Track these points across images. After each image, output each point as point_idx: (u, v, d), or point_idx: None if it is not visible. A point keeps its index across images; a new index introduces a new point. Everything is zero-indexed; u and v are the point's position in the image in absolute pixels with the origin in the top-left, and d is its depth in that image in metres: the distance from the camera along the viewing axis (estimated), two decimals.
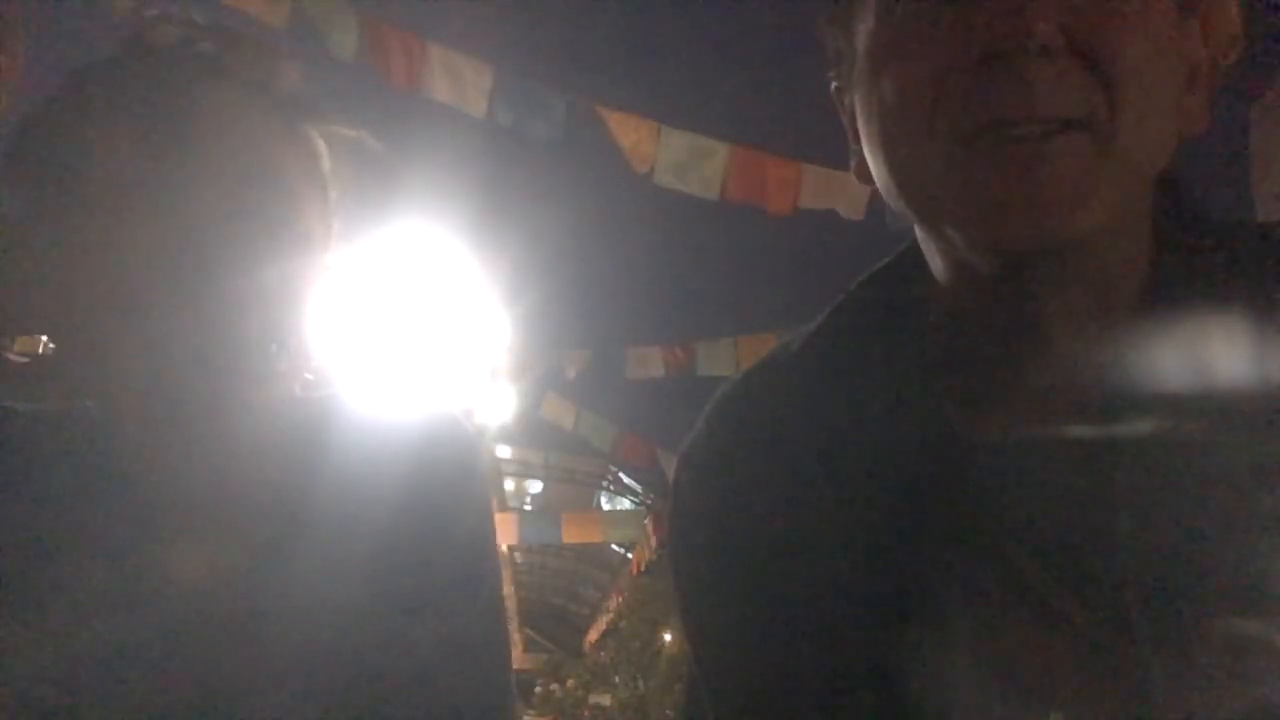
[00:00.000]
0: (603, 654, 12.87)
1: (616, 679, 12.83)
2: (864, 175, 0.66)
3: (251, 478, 0.73)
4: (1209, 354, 0.59)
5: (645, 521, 10.09)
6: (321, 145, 0.75)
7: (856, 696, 0.67)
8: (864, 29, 0.62)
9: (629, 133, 4.01)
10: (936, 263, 0.67)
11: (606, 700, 12.66)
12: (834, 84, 0.70)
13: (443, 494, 0.76)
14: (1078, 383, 0.62)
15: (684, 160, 4.04)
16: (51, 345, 0.75)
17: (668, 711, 11.53)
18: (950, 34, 0.54)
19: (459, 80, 4.06)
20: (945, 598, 0.65)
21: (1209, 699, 0.56)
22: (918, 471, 0.67)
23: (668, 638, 12.09)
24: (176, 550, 0.70)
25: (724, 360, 6.09)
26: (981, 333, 0.65)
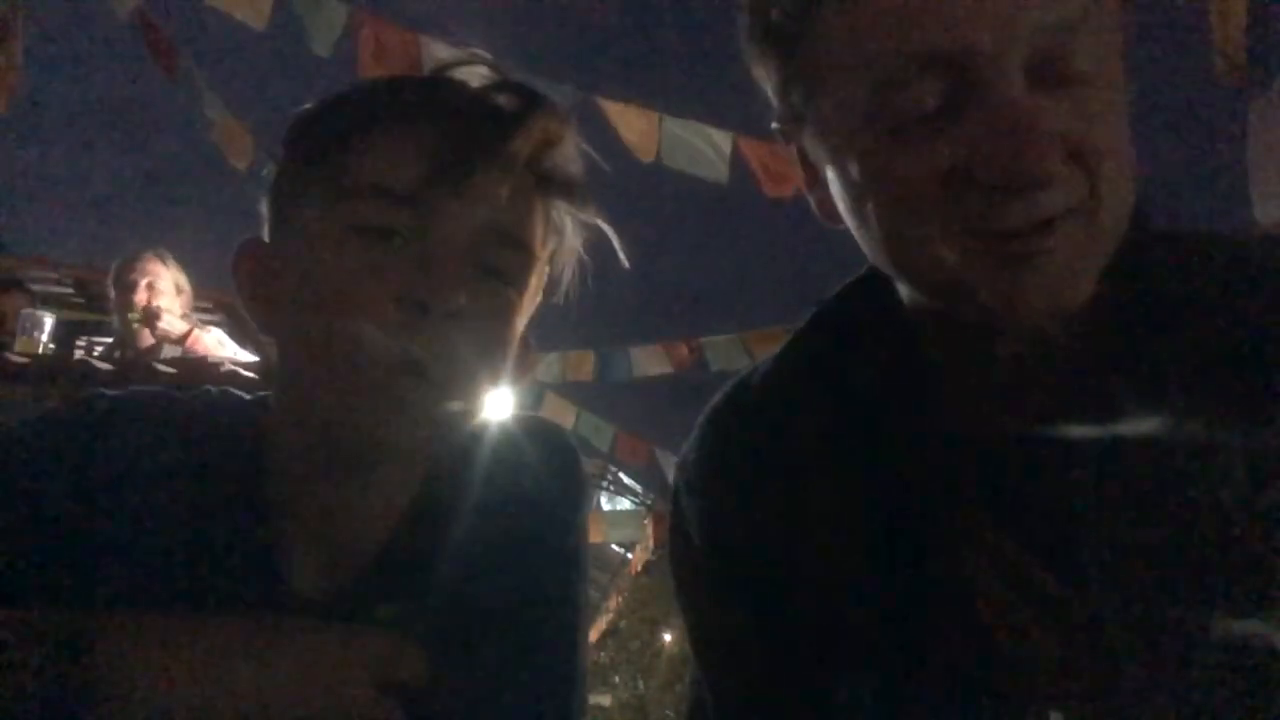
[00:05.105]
0: (603, 654, 12.84)
1: (616, 679, 12.81)
2: (831, 217, 0.69)
3: (387, 508, 0.76)
4: (1164, 355, 0.62)
5: (645, 521, 10.07)
6: (568, 224, 0.78)
7: (857, 692, 0.68)
8: (834, 103, 0.64)
9: (631, 124, 4.00)
10: (910, 295, 0.71)
11: (606, 700, 12.64)
12: (775, 125, 0.73)
13: (523, 508, 0.77)
14: (1044, 382, 0.65)
15: (688, 151, 4.04)
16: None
17: (668, 712, 11.51)
18: (966, 156, 0.57)
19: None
20: (942, 593, 0.66)
21: (1191, 688, 0.56)
22: (907, 469, 0.68)
23: (668, 638, 12.06)
24: (299, 560, 0.71)
25: (733, 357, 6.06)
26: (956, 343, 0.68)
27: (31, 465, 0.71)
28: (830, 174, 0.67)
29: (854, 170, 0.63)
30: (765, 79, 0.70)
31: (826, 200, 0.69)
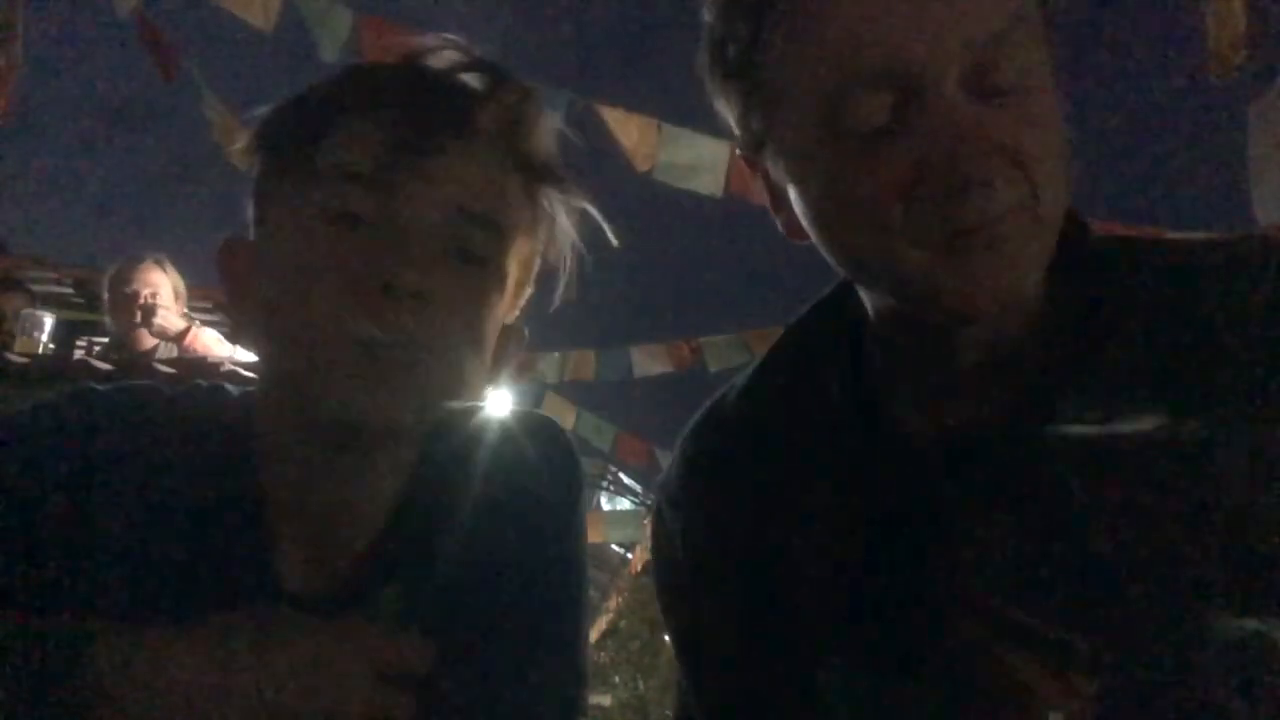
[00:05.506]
0: (603, 654, 12.84)
1: (616, 679, 12.81)
2: (797, 234, 0.72)
3: (380, 494, 0.76)
4: (1115, 354, 0.66)
5: (645, 522, 10.07)
6: (558, 209, 0.78)
7: (841, 698, 0.69)
8: (791, 126, 0.67)
9: (629, 132, 3.99)
10: (875, 303, 0.74)
11: (606, 700, 12.64)
12: (739, 153, 0.76)
13: (524, 508, 0.77)
14: (1006, 385, 0.69)
15: (686, 159, 4.02)
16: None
17: (667, 712, 11.51)
18: (916, 164, 0.61)
19: None
20: (922, 601, 0.66)
21: (1159, 689, 0.57)
22: (879, 476, 0.70)
23: (668, 638, 12.05)
24: (291, 553, 0.70)
25: (732, 357, 6.06)
26: (920, 348, 0.71)
27: (19, 458, 0.70)
28: (793, 193, 0.71)
29: (815, 187, 0.67)
30: (727, 110, 0.75)
31: (792, 219, 0.73)
